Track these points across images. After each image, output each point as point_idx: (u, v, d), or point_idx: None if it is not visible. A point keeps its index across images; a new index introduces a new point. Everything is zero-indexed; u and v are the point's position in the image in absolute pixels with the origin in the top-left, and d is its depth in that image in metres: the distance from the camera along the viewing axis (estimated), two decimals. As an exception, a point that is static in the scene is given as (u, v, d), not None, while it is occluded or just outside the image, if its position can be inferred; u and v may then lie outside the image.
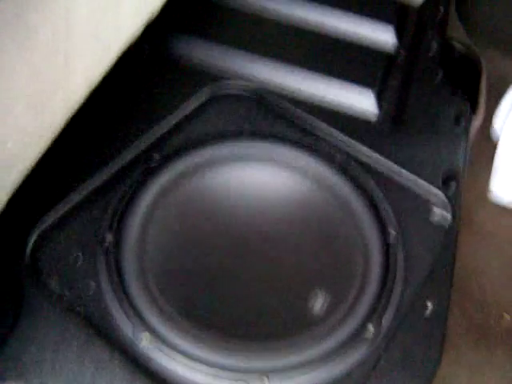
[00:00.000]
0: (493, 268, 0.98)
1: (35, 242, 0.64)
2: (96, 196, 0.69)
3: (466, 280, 0.96)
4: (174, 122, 0.77)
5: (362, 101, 0.84)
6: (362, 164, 0.77)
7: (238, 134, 0.76)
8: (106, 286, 0.63)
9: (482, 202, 1.02)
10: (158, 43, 0.86)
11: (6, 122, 0.44)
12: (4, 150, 0.45)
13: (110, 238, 0.65)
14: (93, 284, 0.63)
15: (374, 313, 0.63)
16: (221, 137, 0.75)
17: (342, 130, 0.80)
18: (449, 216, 0.74)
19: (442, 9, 0.99)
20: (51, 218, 0.66)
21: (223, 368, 0.58)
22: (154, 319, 0.61)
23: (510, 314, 0.94)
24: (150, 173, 0.70)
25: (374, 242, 0.69)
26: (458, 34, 1.09)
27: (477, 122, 0.99)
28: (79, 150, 0.72)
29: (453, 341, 0.89)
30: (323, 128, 0.80)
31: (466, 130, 0.83)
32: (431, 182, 0.76)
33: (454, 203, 0.74)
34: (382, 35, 0.94)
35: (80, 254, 0.65)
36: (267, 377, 0.58)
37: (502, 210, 1.02)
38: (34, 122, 0.47)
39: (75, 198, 0.67)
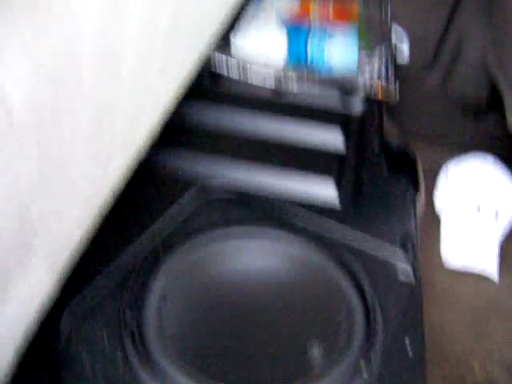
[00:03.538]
0: (458, 326, 1.11)
1: (68, 326, 0.74)
2: (116, 281, 0.80)
3: (437, 338, 1.08)
4: (168, 218, 0.91)
5: (325, 189, 1.02)
6: (334, 239, 0.92)
7: (229, 225, 0.91)
8: (134, 359, 0.72)
9: (439, 269, 1.18)
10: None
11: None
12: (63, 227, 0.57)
13: (131, 315, 0.76)
14: (121, 358, 0.73)
15: (364, 355, 0.75)
16: (215, 227, 0.90)
17: (311, 213, 0.96)
18: (411, 271, 0.89)
19: (377, 113, 1.22)
20: (79, 304, 0.76)
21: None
22: (181, 381, 0.70)
23: (479, 364, 1.06)
24: (159, 258, 0.83)
25: (354, 302, 0.83)
26: (394, 133, 1.33)
27: (420, 201, 1.18)
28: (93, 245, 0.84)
29: (431, 394, 1.00)
30: (296, 212, 0.96)
31: (413, 203, 1.01)
32: (392, 246, 0.91)
33: (414, 259, 0.89)
34: (333, 140, 1.15)
35: (107, 333, 0.75)
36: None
37: (455, 273, 1.18)
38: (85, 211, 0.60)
39: (97, 284, 0.79)
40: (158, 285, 0.79)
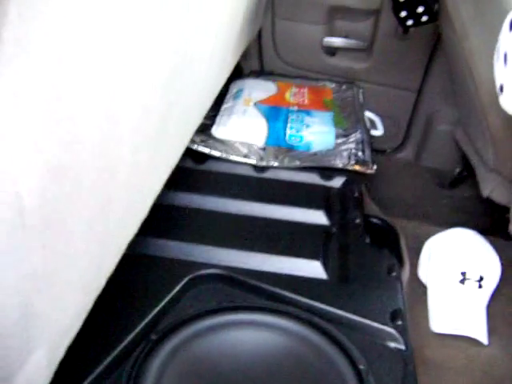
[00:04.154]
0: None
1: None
2: (108, 374, 0.80)
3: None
4: (163, 306, 0.92)
5: (312, 270, 1.04)
6: (324, 318, 0.93)
7: (223, 312, 0.92)
8: None
9: (428, 339, 1.18)
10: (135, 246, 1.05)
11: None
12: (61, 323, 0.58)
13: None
14: None
15: None
16: (206, 312, 0.90)
17: (301, 294, 0.97)
18: (403, 347, 0.89)
19: (356, 190, 1.27)
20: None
21: None
22: None
23: None
24: (151, 348, 0.83)
25: (349, 377, 0.82)
26: (374, 208, 1.37)
27: (405, 274, 1.20)
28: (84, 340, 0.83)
29: None
30: (287, 295, 0.97)
31: (399, 278, 1.03)
32: (382, 322, 0.92)
33: (404, 334, 0.90)
34: (316, 218, 1.18)
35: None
36: None
37: (445, 342, 1.18)
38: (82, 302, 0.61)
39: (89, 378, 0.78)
40: (150, 376, 0.79)
